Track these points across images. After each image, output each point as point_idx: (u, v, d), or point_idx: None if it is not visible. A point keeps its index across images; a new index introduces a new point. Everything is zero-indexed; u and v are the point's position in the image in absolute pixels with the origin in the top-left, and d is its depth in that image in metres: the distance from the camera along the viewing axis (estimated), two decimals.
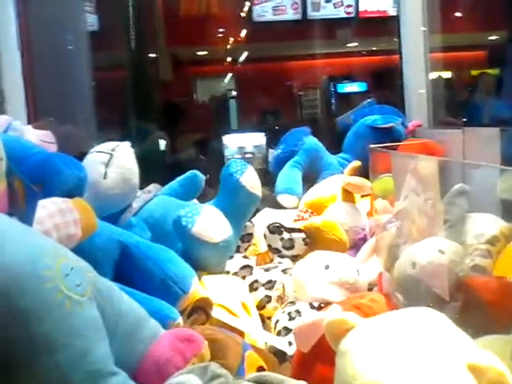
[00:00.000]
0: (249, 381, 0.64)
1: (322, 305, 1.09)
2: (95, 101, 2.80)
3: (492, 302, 0.88)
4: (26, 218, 0.74)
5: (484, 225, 1.13)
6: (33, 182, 0.77)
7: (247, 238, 1.42)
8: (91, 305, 0.68)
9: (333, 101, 6.29)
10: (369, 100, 2.25)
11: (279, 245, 1.37)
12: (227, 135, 4.36)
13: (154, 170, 1.61)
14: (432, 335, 0.62)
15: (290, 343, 1.02)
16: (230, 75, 6.58)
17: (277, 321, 1.12)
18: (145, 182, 1.38)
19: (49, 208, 0.81)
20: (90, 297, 0.68)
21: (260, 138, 4.42)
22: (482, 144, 1.38)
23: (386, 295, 0.92)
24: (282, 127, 2.22)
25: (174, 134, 4.00)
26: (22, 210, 0.75)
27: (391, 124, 1.98)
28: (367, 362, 0.61)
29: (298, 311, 1.10)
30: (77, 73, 2.65)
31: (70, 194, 0.90)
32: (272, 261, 1.39)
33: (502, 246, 1.08)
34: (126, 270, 1.05)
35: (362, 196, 1.65)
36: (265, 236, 1.39)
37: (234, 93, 6.31)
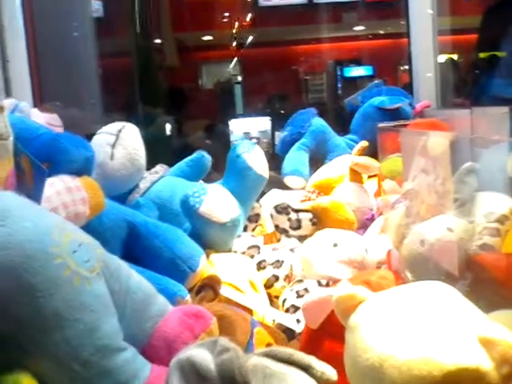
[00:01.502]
0: (258, 355, 0.64)
1: (330, 283, 1.09)
2: (101, 87, 2.79)
3: (502, 278, 0.87)
4: (34, 196, 0.74)
5: (493, 203, 1.12)
6: (40, 162, 0.77)
7: (254, 218, 1.42)
8: (100, 281, 0.68)
9: (339, 85, 6.26)
10: (376, 81, 2.24)
11: (286, 225, 1.37)
12: (233, 120, 4.36)
13: (160, 154, 1.61)
14: (442, 308, 0.62)
15: (299, 321, 1.02)
16: (235, 60, 6.56)
17: (284, 299, 1.12)
18: (151, 165, 1.38)
19: (57, 186, 0.81)
20: (98, 273, 0.68)
21: (265, 123, 4.42)
22: (490, 123, 1.37)
23: (395, 272, 0.92)
24: (287, 112, 2.21)
25: (180, 119, 4.00)
26: (30, 188, 0.75)
27: (399, 105, 1.97)
28: (377, 335, 0.61)
29: (306, 289, 1.10)
30: (83, 59, 2.64)
31: (77, 173, 0.90)
32: (279, 241, 1.39)
33: (510, 224, 1.07)
34: (135, 249, 1.05)
35: (369, 177, 1.64)
36: (272, 216, 1.39)
37: (239, 78, 6.30)
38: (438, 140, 0.85)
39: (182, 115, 4.17)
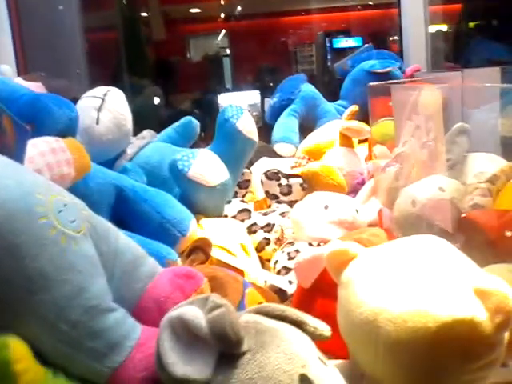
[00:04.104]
0: (250, 312, 0.64)
1: (322, 244, 1.08)
2: (87, 61, 2.75)
3: (494, 235, 0.87)
4: (16, 157, 0.72)
5: (484, 163, 1.12)
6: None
7: (245, 184, 1.41)
8: (86, 241, 0.66)
9: (328, 56, 6.21)
10: (366, 45, 2.21)
11: (277, 191, 1.36)
12: (222, 94, 4.32)
13: (148, 124, 1.59)
14: (437, 260, 0.61)
15: (290, 282, 1.01)
16: (223, 33, 6.49)
17: (276, 261, 1.11)
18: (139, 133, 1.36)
19: (40, 147, 0.79)
20: (85, 233, 0.66)
21: (255, 96, 4.38)
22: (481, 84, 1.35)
23: (387, 230, 0.91)
24: (277, 84, 2.19)
25: (168, 93, 3.96)
26: (12, 149, 0.73)
27: (389, 68, 1.95)
28: (371, 289, 0.61)
29: (297, 251, 1.09)
30: (68, 33, 2.60)
31: (61, 134, 0.87)
32: (269, 207, 1.38)
33: (501, 184, 1.07)
34: (123, 214, 1.03)
35: (360, 141, 1.63)
36: (262, 182, 1.38)
37: (227, 51, 6.24)
38: (430, 94, 0.84)
39: (169, 89, 4.13)
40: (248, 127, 1.25)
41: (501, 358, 0.57)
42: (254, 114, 4.06)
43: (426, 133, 0.86)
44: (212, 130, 1.30)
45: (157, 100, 3.33)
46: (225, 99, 4.28)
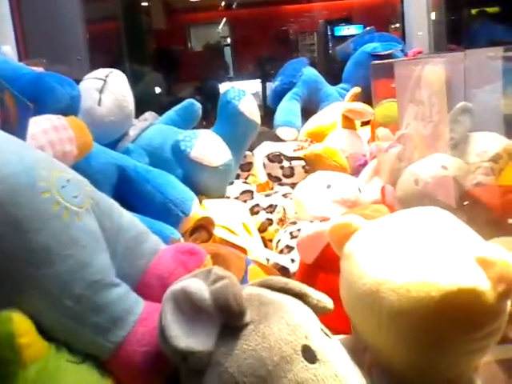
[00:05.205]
0: (253, 285, 0.64)
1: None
2: (89, 51, 2.74)
3: (498, 209, 0.87)
4: (19, 133, 0.71)
5: (487, 142, 1.11)
6: None
7: (247, 166, 1.41)
8: (89, 217, 0.66)
9: (330, 44, 6.19)
10: (368, 28, 2.20)
11: (279, 173, 1.36)
12: (223, 83, 4.31)
13: (149, 109, 1.59)
14: (439, 231, 0.61)
15: (293, 260, 1.01)
16: (223, 21, 6.47)
17: (278, 240, 1.12)
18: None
19: (42, 124, 0.79)
20: (87, 209, 0.66)
21: (256, 85, 4.38)
22: (484, 65, 1.35)
23: (390, 206, 0.91)
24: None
25: (169, 82, 3.95)
26: (14, 125, 0.72)
27: (391, 51, 1.95)
28: (373, 260, 0.60)
29: (299, 230, 1.09)
30: (69, 24, 2.59)
31: (63, 113, 0.87)
32: (272, 189, 1.38)
33: (504, 163, 1.07)
34: (126, 195, 1.03)
35: (362, 124, 1.63)
36: (264, 165, 1.37)
37: (228, 40, 6.22)
38: (434, 69, 0.83)
39: (170, 78, 4.12)
40: (250, 109, 1.25)
41: (503, 327, 0.57)
42: (256, 102, 4.04)
43: (430, 108, 0.86)
44: (213, 118, 1.30)
45: (158, 89, 3.32)
46: (226, 88, 4.27)
